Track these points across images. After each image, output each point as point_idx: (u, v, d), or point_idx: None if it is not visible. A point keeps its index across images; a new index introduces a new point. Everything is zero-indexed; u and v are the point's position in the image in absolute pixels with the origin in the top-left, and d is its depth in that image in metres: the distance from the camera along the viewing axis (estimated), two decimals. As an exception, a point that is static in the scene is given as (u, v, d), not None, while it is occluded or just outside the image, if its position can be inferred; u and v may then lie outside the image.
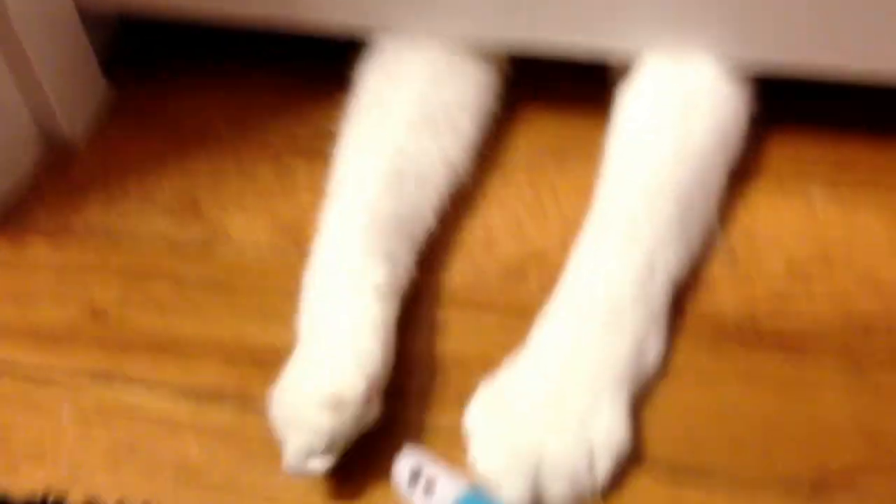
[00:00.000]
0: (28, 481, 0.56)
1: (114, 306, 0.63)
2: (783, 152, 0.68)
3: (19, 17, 0.67)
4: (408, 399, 0.57)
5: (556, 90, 0.72)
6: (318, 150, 0.69)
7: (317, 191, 0.66)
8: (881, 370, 0.57)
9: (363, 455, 0.54)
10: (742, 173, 0.66)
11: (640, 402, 0.56)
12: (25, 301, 0.64)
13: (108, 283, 0.64)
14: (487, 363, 0.57)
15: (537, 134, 0.71)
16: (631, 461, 0.54)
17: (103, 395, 0.59)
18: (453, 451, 0.54)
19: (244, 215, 0.68)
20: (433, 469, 0.53)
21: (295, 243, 0.65)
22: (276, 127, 0.73)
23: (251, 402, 0.58)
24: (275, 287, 0.63)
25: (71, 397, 0.59)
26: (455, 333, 0.61)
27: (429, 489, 0.52)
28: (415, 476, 0.52)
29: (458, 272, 0.63)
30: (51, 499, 0.54)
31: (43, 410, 0.59)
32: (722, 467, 0.54)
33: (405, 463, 0.53)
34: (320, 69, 0.72)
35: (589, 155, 0.65)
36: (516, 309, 0.60)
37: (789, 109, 0.68)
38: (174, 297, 0.63)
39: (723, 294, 0.61)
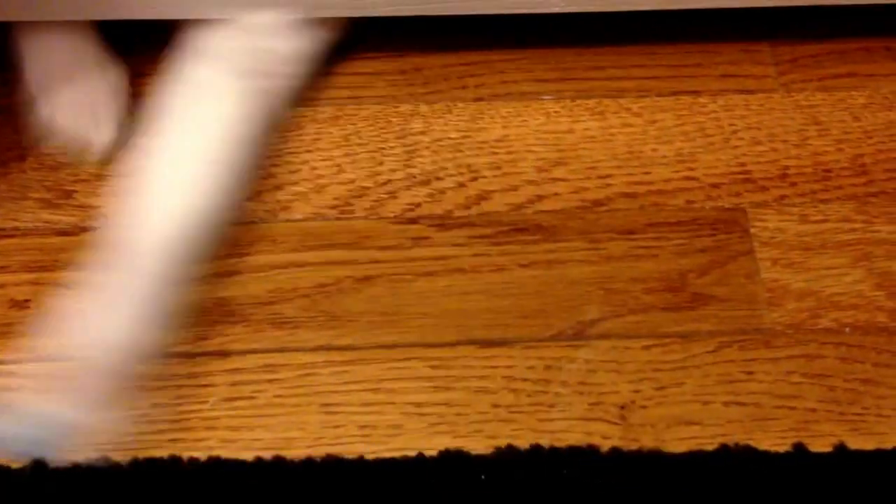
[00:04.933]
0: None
1: (29, 294, 0.78)
2: (515, 66, 0.89)
3: None
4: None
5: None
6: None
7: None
8: (609, 240, 0.82)
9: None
10: (485, 87, 0.88)
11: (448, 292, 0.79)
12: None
13: (18, 275, 0.79)
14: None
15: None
16: (457, 336, 0.78)
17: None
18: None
19: (108, 195, 0.82)
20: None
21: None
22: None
23: (171, 351, 0.76)
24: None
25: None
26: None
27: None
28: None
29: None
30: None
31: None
32: (514, 330, 0.78)
33: None
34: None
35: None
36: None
37: (516, 35, 0.90)
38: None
39: (496, 196, 0.83)
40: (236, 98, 0.81)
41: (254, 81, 0.82)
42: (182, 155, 0.80)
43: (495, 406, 0.75)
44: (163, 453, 0.72)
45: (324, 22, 0.86)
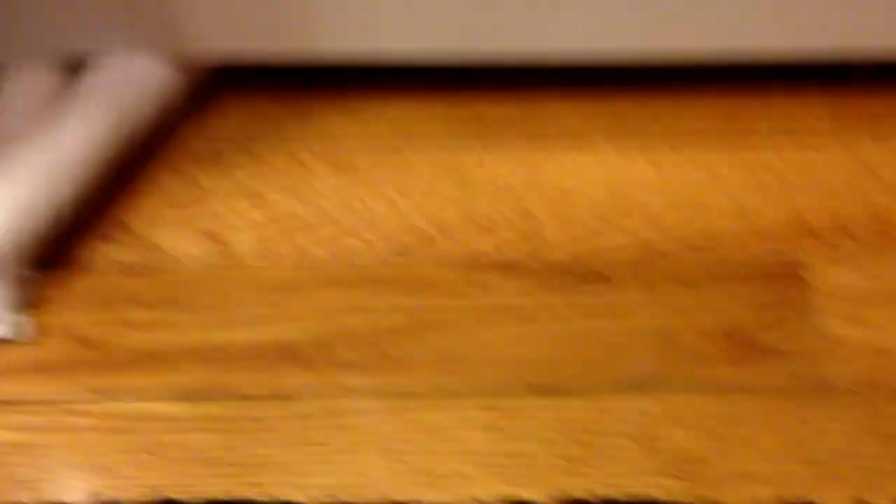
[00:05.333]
0: (81, 490, 0.73)
1: (95, 332, 0.79)
2: (574, 114, 0.90)
3: None
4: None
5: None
6: (214, 157, 0.86)
7: (224, 195, 0.84)
8: (667, 288, 0.82)
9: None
10: (544, 135, 0.88)
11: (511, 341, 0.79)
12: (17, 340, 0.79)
13: (84, 312, 0.79)
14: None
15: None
16: (516, 386, 0.78)
17: (114, 410, 0.75)
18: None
19: (169, 229, 0.83)
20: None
21: (221, 250, 0.82)
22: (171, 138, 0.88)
23: (235, 393, 0.77)
24: (219, 292, 0.81)
25: (87, 415, 0.75)
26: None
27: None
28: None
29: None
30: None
31: (71, 430, 0.75)
32: (578, 380, 0.78)
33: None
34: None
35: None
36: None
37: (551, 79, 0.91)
38: (143, 316, 0.79)
39: (558, 245, 0.84)
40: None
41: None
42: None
43: (556, 456, 0.75)
44: (223, 495, 0.72)
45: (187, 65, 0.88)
